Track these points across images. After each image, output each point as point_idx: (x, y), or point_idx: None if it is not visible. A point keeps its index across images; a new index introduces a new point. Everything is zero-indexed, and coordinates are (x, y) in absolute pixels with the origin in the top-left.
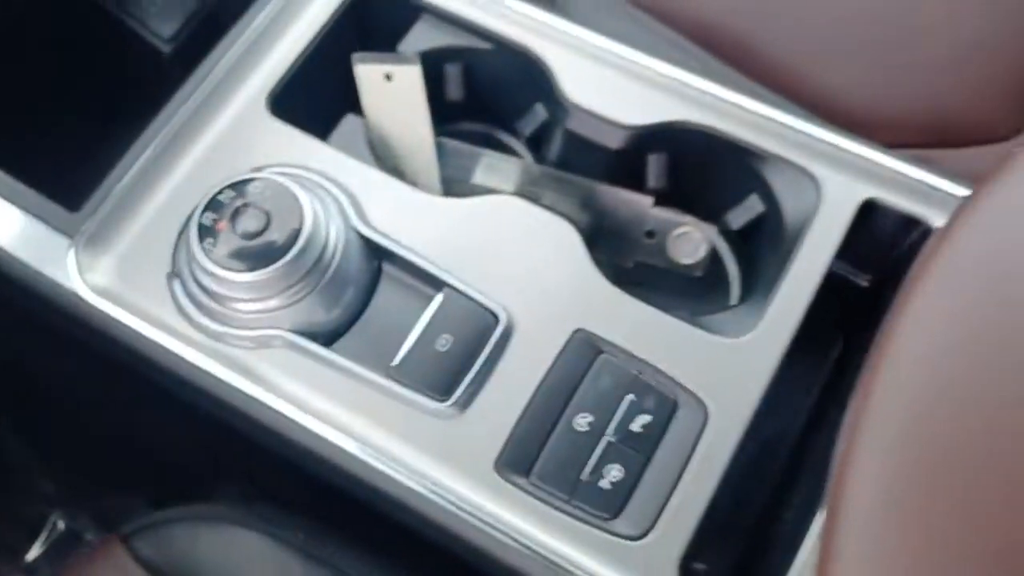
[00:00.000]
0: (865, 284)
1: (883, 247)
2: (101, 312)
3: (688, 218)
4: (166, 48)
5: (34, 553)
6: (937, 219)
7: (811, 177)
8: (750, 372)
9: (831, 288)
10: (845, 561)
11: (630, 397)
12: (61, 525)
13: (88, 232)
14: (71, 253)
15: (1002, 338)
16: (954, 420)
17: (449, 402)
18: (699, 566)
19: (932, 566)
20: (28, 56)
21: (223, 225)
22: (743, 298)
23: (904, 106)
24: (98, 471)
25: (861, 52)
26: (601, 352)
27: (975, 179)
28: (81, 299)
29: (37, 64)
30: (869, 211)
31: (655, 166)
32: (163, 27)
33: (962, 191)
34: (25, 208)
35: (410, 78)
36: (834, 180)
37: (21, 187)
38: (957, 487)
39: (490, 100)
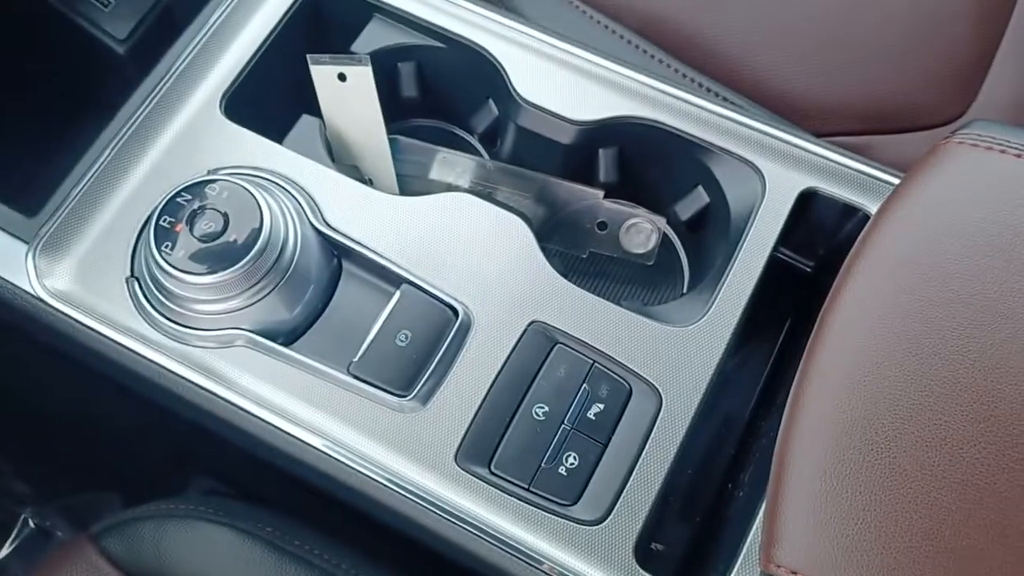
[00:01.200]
0: (809, 270)
1: (825, 234)
2: (61, 316)
3: (639, 210)
4: (121, 49)
5: (4, 552)
6: (873, 206)
7: (754, 168)
8: (700, 358)
9: (778, 274)
10: (787, 544)
11: (585, 386)
12: (32, 524)
13: (45, 237)
14: (29, 258)
15: (926, 324)
16: (883, 405)
17: (409, 396)
18: (657, 546)
19: (868, 549)
20: None
21: (181, 227)
22: (692, 286)
23: (844, 94)
24: (68, 470)
25: (803, 42)
26: (557, 343)
27: (908, 167)
28: (41, 303)
29: None
30: (810, 200)
31: (606, 160)
32: (117, 27)
33: (895, 180)
34: None
35: (362, 79)
36: (776, 171)
37: None
38: (889, 470)
39: (444, 97)
